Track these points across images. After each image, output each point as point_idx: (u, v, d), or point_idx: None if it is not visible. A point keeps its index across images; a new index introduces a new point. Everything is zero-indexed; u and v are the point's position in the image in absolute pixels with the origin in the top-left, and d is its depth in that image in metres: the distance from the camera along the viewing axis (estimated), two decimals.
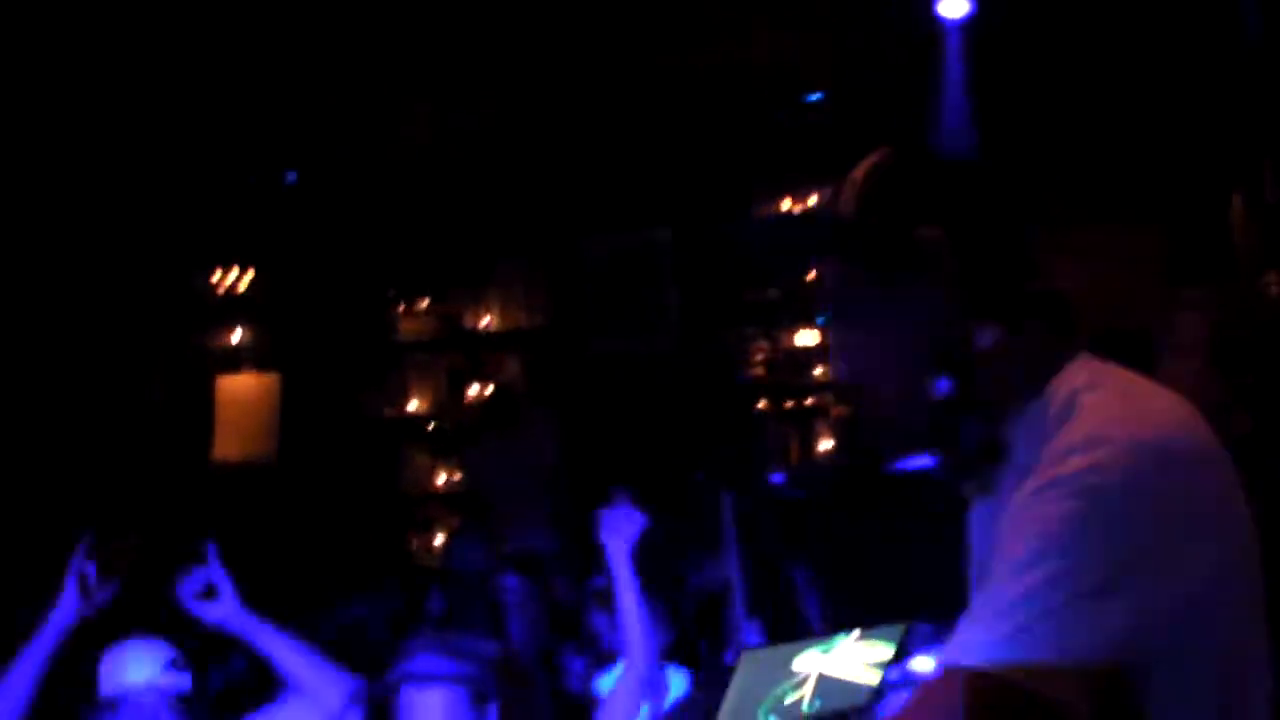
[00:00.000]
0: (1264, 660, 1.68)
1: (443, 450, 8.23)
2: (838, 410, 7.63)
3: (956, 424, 1.76)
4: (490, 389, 8.07)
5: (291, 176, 7.69)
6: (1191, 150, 5.66)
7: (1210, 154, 5.63)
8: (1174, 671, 1.57)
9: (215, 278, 7.91)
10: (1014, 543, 1.59)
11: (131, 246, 7.33)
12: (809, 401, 7.82)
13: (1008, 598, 1.54)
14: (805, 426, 7.68)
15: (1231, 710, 1.61)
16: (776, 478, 7.15)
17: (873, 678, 3.46)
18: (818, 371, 7.61)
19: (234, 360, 7.99)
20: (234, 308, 7.99)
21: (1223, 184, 5.64)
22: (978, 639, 1.54)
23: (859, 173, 1.81)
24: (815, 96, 6.89)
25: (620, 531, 3.84)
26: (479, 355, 8.24)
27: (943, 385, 1.75)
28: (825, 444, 7.54)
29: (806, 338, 7.67)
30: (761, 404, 7.67)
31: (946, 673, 1.56)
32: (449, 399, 8.24)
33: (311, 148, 7.43)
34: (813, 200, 7.00)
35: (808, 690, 3.36)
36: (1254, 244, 5.29)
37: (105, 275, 7.28)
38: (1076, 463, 1.57)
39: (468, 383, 8.18)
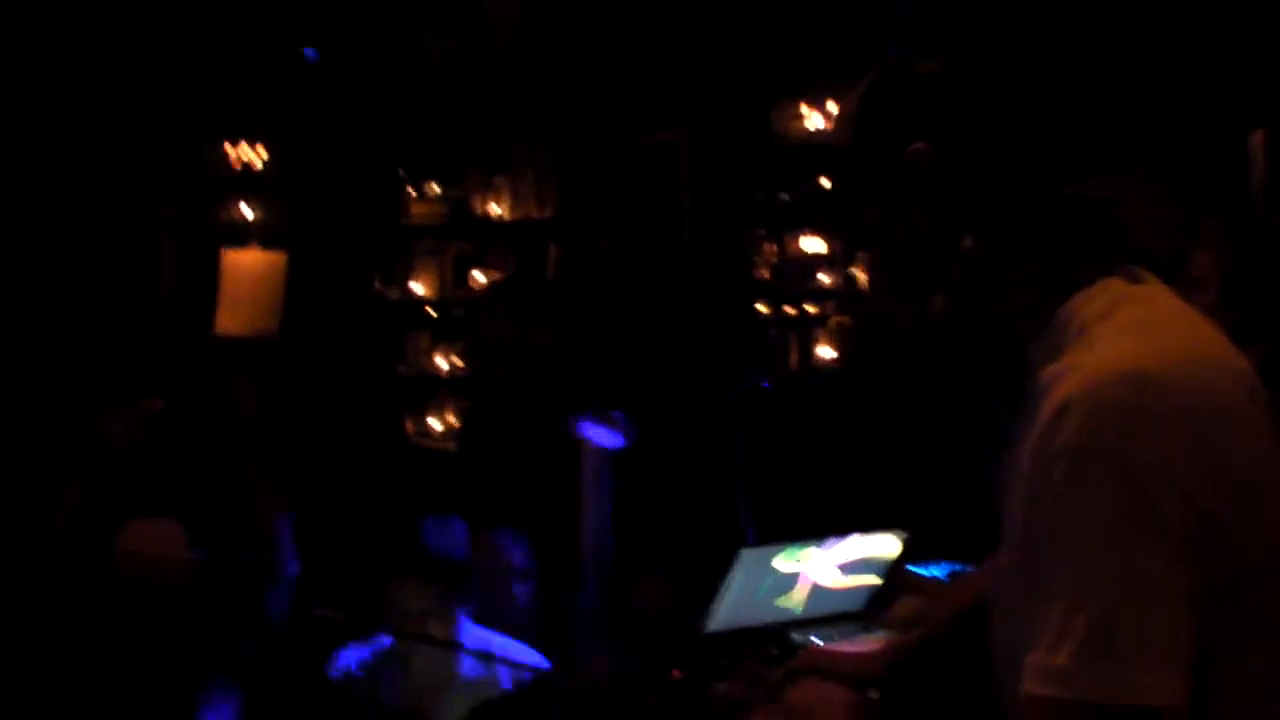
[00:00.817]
0: None
1: (445, 335, 8.23)
2: (838, 319, 7.63)
3: (965, 343, 1.78)
4: (497, 276, 8.06)
5: (311, 54, 7.65)
6: (1209, 86, 5.63)
7: (1228, 90, 5.60)
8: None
9: (229, 151, 7.88)
10: (1035, 542, 1.50)
11: (146, 114, 7.32)
12: (810, 308, 7.81)
13: (1057, 621, 1.43)
14: (806, 333, 7.67)
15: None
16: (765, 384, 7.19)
17: (870, 583, 3.51)
18: (823, 279, 7.60)
19: (242, 235, 7.97)
20: (245, 183, 7.98)
21: (1240, 121, 5.60)
22: (1049, 665, 1.43)
23: (853, 97, 1.82)
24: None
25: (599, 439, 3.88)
26: (487, 242, 8.22)
27: (942, 304, 1.77)
28: (826, 352, 7.53)
29: (813, 244, 7.65)
30: (762, 307, 7.66)
31: (1033, 705, 1.45)
32: (454, 284, 8.23)
33: (333, 26, 7.41)
34: (831, 107, 6.97)
35: (804, 592, 3.41)
36: (1272, 183, 5.27)
37: (117, 142, 7.27)
38: (1074, 424, 1.46)
39: (474, 269, 8.17)
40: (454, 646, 3.07)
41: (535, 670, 2.89)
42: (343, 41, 7.65)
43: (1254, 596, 1.47)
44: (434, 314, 8.30)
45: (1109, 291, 1.64)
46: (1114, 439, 1.44)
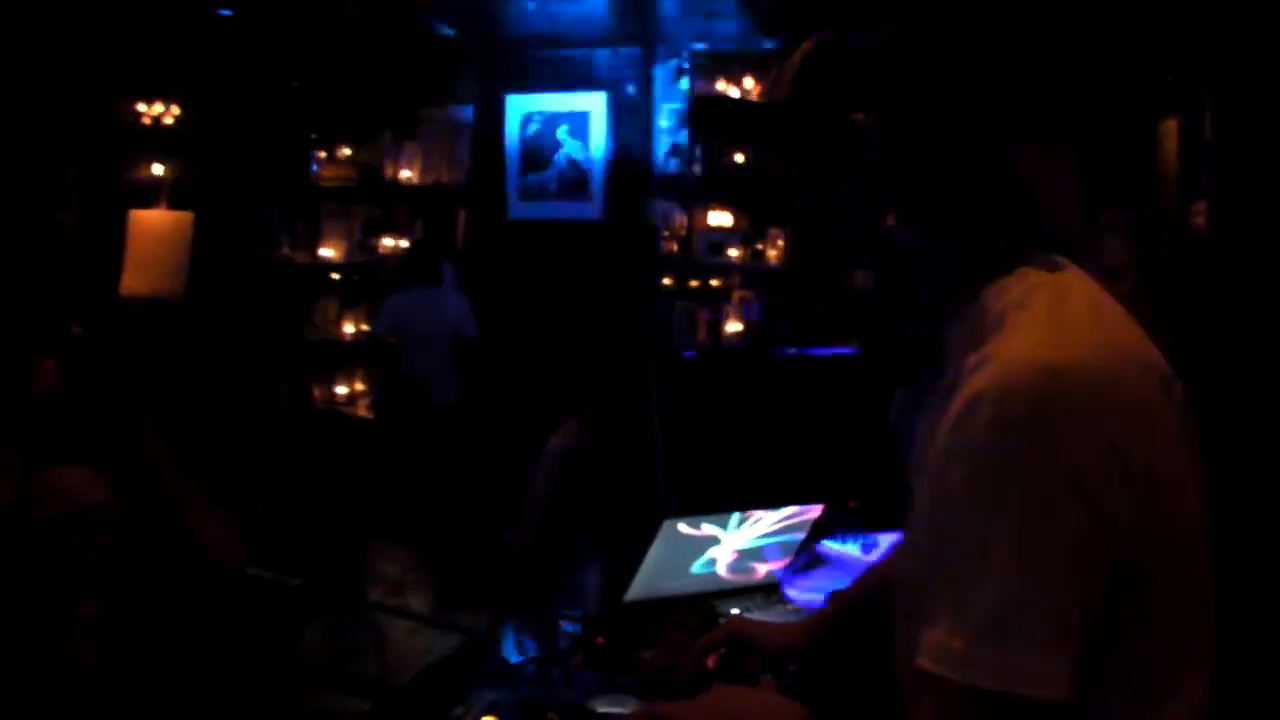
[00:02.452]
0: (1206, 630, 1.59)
1: (351, 300, 8.19)
2: (741, 294, 7.68)
3: (881, 321, 1.77)
4: (405, 242, 8.03)
5: (226, 11, 7.57)
6: (1122, 67, 5.71)
7: (1140, 75, 5.68)
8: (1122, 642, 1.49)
9: (141, 108, 7.78)
10: (940, 526, 1.50)
11: (54, 69, 7.21)
12: (715, 282, 7.85)
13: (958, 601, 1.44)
14: (714, 307, 7.71)
15: (1166, 693, 1.53)
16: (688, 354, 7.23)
17: (787, 555, 3.55)
18: (731, 253, 7.64)
19: (149, 194, 7.90)
20: (155, 141, 7.88)
21: (1152, 111, 5.69)
22: (945, 646, 1.44)
23: (795, 56, 1.76)
24: None
25: None
26: (396, 207, 8.18)
27: (868, 280, 1.76)
28: (733, 326, 7.57)
29: (721, 218, 7.69)
30: (667, 280, 7.69)
31: (924, 679, 1.47)
32: (362, 249, 8.19)
33: None
34: (748, 83, 7.00)
35: (722, 563, 3.44)
36: (1184, 173, 5.37)
37: (20, 97, 7.16)
38: (985, 416, 1.45)
39: (382, 234, 8.13)
40: (422, 618, 3.08)
41: (473, 634, 2.90)
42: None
43: (1143, 593, 1.49)
44: (341, 277, 8.26)
45: (1026, 280, 1.63)
46: (1020, 436, 1.44)
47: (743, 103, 1.87)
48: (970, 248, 1.65)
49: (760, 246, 7.60)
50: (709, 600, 3.34)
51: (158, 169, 7.86)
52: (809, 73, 1.73)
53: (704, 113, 1.80)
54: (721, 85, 7.07)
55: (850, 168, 1.69)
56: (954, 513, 1.47)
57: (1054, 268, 1.65)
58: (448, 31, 7.52)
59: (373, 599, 3.42)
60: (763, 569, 3.52)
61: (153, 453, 3.47)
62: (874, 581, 2.32)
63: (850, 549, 3.81)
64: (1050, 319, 1.55)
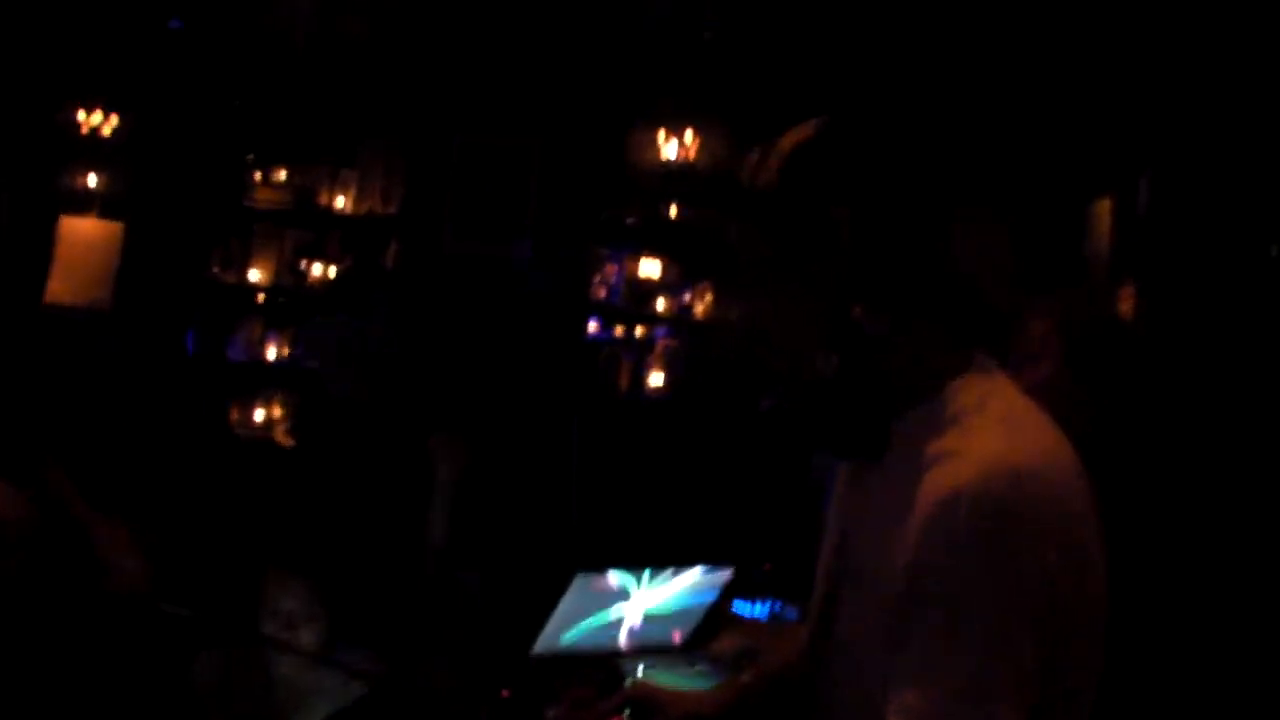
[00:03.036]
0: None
1: (277, 323, 8.14)
2: (665, 343, 7.70)
3: (839, 405, 1.86)
4: (333, 269, 8.00)
5: (176, 23, 7.54)
6: (1057, 151, 5.79)
7: (1073, 153, 5.76)
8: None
9: (80, 117, 7.72)
10: (918, 605, 1.66)
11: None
12: (639, 332, 7.88)
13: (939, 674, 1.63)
14: (637, 357, 7.72)
15: None
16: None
17: (694, 617, 3.56)
18: (659, 305, 7.67)
19: (82, 203, 7.83)
20: (90, 150, 7.82)
21: (1082, 190, 5.77)
22: (923, 705, 1.63)
23: (785, 144, 1.85)
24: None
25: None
26: (326, 233, 8.15)
27: (831, 365, 1.84)
28: (656, 378, 7.59)
29: (651, 268, 7.72)
30: (593, 327, 7.70)
31: None
32: (291, 273, 8.14)
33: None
34: (688, 137, 7.03)
35: (627, 621, 3.44)
36: (1114, 254, 5.44)
37: None
38: (964, 512, 1.64)
39: (312, 260, 8.10)
40: (314, 655, 3.05)
41: (376, 679, 2.88)
42: (205, 13, 7.54)
43: (1067, 662, 1.69)
44: (265, 300, 8.20)
45: (977, 386, 1.80)
46: (998, 531, 1.63)
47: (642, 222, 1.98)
48: (927, 343, 1.82)
49: (688, 299, 7.64)
50: (616, 658, 3.34)
51: (92, 179, 7.80)
52: (794, 167, 1.83)
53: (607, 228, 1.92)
54: (661, 136, 7.09)
55: (822, 256, 1.80)
56: (934, 591, 1.65)
57: (988, 370, 1.85)
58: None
59: (266, 633, 3.40)
60: (672, 629, 3.53)
61: (56, 481, 3.44)
62: (790, 653, 2.33)
63: (756, 615, 3.83)
64: (1007, 424, 1.75)
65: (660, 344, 7.71)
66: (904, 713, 1.64)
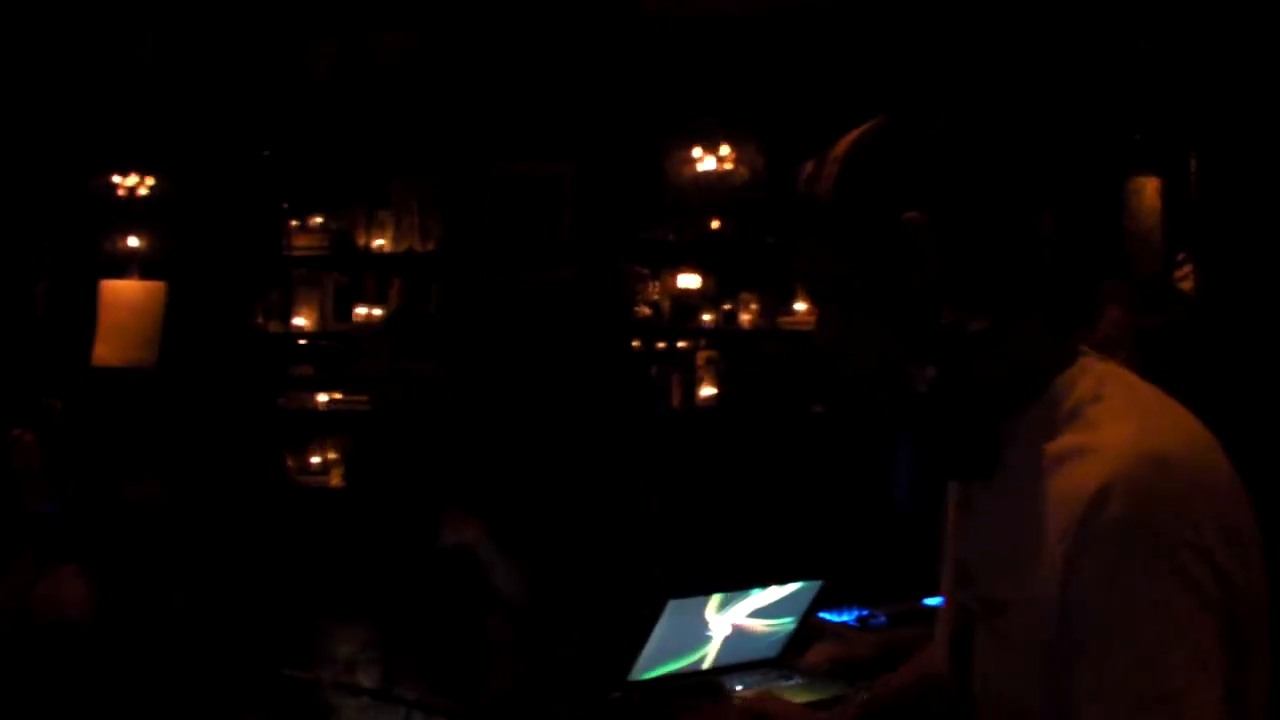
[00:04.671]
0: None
1: (325, 368, 8.17)
2: (706, 354, 7.69)
3: (942, 418, 1.75)
4: (379, 310, 8.02)
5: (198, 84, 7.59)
6: (1103, 131, 5.76)
7: (1121, 138, 5.74)
8: None
9: (116, 180, 7.77)
10: (1080, 609, 1.57)
11: (30, 141, 7.21)
12: (681, 344, 7.88)
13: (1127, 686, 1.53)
14: (685, 371, 7.72)
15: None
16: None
17: (784, 630, 3.56)
18: (704, 317, 7.67)
19: (122, 265, 7.88)
20: (127, 212, 7.87)
21: (1125, 172, 5.74)
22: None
23: (838, 151, 1.75)
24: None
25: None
26: (366, 275, 8.17)
27: (928, 375, 1.75)
28: (707, 390, 7.58)
29: (691, 281, 7.72)
30: (636, 344, 7.71)
31: None
32: (335, 317, 8.17)
33: (222, 50, 7.35)
34: (724, 150, 7.04)
35: (720, 640, 3.44)
36: (1167, 236, 5.41)
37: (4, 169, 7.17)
38: (1117, 509, 1.54)
39: (356, 302, 8.13)
40: (381, 695, 3.05)
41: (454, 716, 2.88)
42: (232, 67, 7.58)
43: (1244, 649, 1.58)
44: (307, 345, 8.23)
45: (1089, 373, 1.70)
46: (1158, 520, 1.53)
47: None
48: (1029, 338, 1.71)
49: (728, 307, 7.64)
50: (713, 678, 3.33)
51: (132, 240, 7.85)
52: (852, 173, 1.72)
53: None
54: (698, 152, 7.10)
55: (900, 264, 1.69)
56: (1101, 597, 1.55)
57: (1102, 358, 1.74)
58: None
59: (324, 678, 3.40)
60: (765, 644, 3.53)
61: None
62: (909, 672, 2.30)
63: (845, 621, 3.82)
64: (1135, 410, 1.65)
65: (702, 356, 7.70)
66: None
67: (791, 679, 3.42)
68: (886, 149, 1.72)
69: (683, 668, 3.36)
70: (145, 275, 7.84)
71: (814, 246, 1.77)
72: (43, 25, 6.90)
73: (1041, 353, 1.72)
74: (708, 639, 3.42)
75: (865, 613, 3.82)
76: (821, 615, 3.79)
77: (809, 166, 1.79)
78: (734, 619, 3.44)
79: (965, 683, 1.79)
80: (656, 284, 7.74)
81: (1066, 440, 1.63)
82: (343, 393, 7.95)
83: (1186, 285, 4.95)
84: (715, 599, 3.37)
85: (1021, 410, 1.70)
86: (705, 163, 7.07)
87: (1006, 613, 1.67)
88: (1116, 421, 1.62)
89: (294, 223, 8.09)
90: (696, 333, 7.74)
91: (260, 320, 8.12)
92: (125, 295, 7.80)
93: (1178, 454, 1.58)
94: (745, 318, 7.59)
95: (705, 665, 3.41)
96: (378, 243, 8.01)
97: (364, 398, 7.54)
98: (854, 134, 1.76)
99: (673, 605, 3.27)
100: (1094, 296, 3.52)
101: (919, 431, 1.80)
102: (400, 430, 7.20)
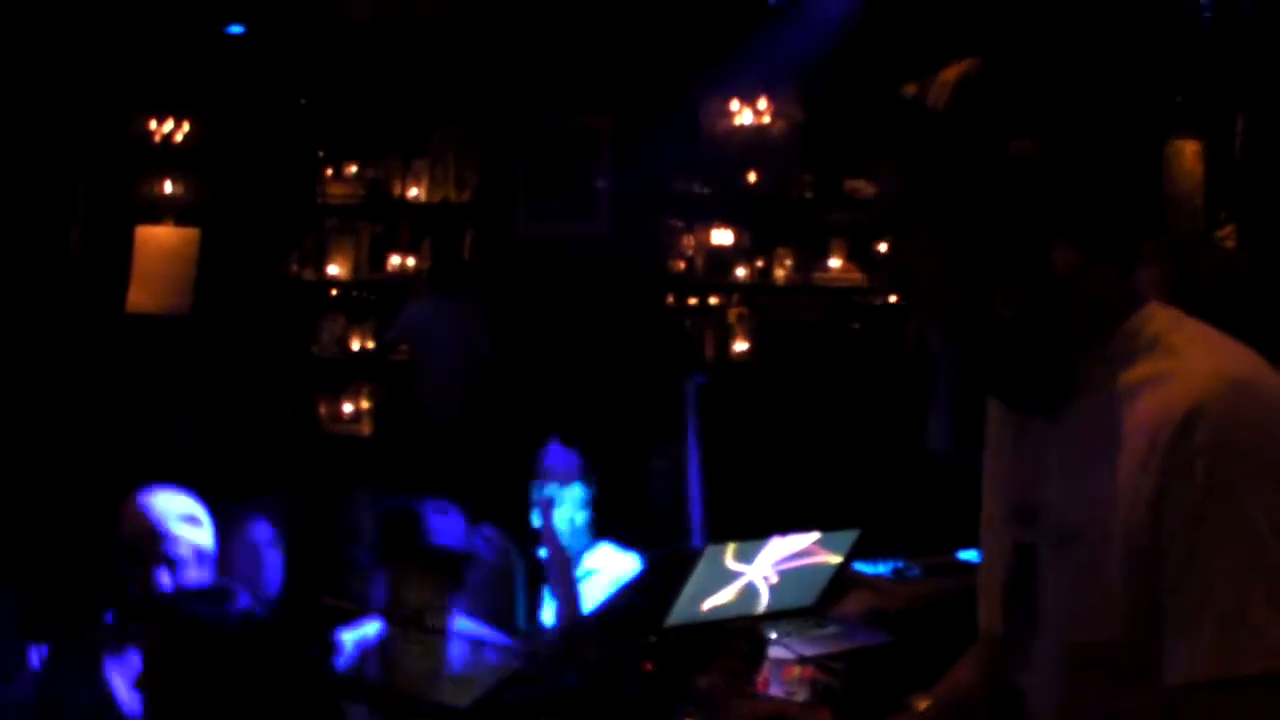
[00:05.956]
0: None
1: (358, 317, 8.18)
2: (737, 310, 7.68)
3: (1020, 348, 1.72)
4: (412, 260, 8.03)
5: (237, 29, 7.58)
6: (1144, 92, 5.72)
7: (1158, 103, 5.69)
8: None
9: (153, 125, 7.78)
10: (1173, 531, 1.55)
11: (67, 87, 7.21)
12: (713, 300, 7.87)
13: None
14: (719, 325, 7.71)
15: None
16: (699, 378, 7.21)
17: (821, 579, 3.56)
18: (739, 271, 7.65)
19: (157, 211, 7.90)
20: (163, 158, 7.89)
21: (1165, 132, 5.70)
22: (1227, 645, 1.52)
23: (950, 74, 1.73)
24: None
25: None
26: (402, 224, 8.18)
27: (1012, 304, 1.73)
28: (740, 345, 7.57)
29: (724, 236, 7.70)
30: (669, 299, 7.71)
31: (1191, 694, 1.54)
32: (369, 266, 8.18)
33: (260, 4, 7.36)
34: (761, 104, 7.01)
35: (757, 588, 3.45)
36: (1209, 196, 5.37)
37: (32, 116, 7.18)
38: (1204, 433, 1.54)
39: (389, 251, 8.14)
40: (448, 636, 3.07)
41: (527, 658, 2.90)
42: (268, 15, 7.57)
43: None
44: (339, 293, 8.26)
45: (1162, 310, 1.70)
46: (1248, 440, 1.53)
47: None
48: (1111, 276, 1.71)
49: (761, 263, 7.61)
50: (751, 624, 3.34)
51: (167, 186, 7.86)
52: (969, 92, 1.72)
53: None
54: (735, 105, 7.08)
55: (1007, 192, 1.68)
56: (1195, 516, 1.53)
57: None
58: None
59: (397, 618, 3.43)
60: (801, 593, 3.53)
61: None
62: (963, 678, 2.24)
63: (881, 572, 3.82)
64: (1209, 341, 1.65)
65: (733, 312, 7.69)
66: (1198, 667, 1.54)
67: (827, 627, 3.42)
68: (1003, 75, 1.73)
69: (721, 617, 3.37)
70: (180, 221, 7.89)
71: (906, 165, 1.75)
72: None
73: (1119, 291, 1.71)
74: (746, 589, 3.42)
75: (901, 565, 3.83)
76: (857, 567, 3.80)
77: (911, 88, 1.76)
78: (769, 567, 3.44)
79: (1019, 624, 1.78)
80: (691, 238, 7.72)
81: (1146, 368, 1.63)
82: (376, 340, 7.95)
83: (1230, 244, 4.92)
84: (752, 546, 3.37)
85: (1100, 341, 1.69)
86: (743, 115, 7.04)
87: (1080, 541, 1.66)
88: (1197, 349, 1.63)
89: (329, 171, 8.10)
90: (730, 288, 7.72)
91: (294, 268, 8.13)
92: (160, 241, 7.84)
93: (1260, 380, 1.59)
94: (779, 273, 7.56)
95: (744, 614, 3.41)
96: (412, 192, 8.00)
97: (403, 345, 7.57)
98: (963, 63, 1.74)
99: (709, 550, 3.27)
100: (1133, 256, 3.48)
101: (995, 361, 1.78)
102: (440, 370, 7.24)
